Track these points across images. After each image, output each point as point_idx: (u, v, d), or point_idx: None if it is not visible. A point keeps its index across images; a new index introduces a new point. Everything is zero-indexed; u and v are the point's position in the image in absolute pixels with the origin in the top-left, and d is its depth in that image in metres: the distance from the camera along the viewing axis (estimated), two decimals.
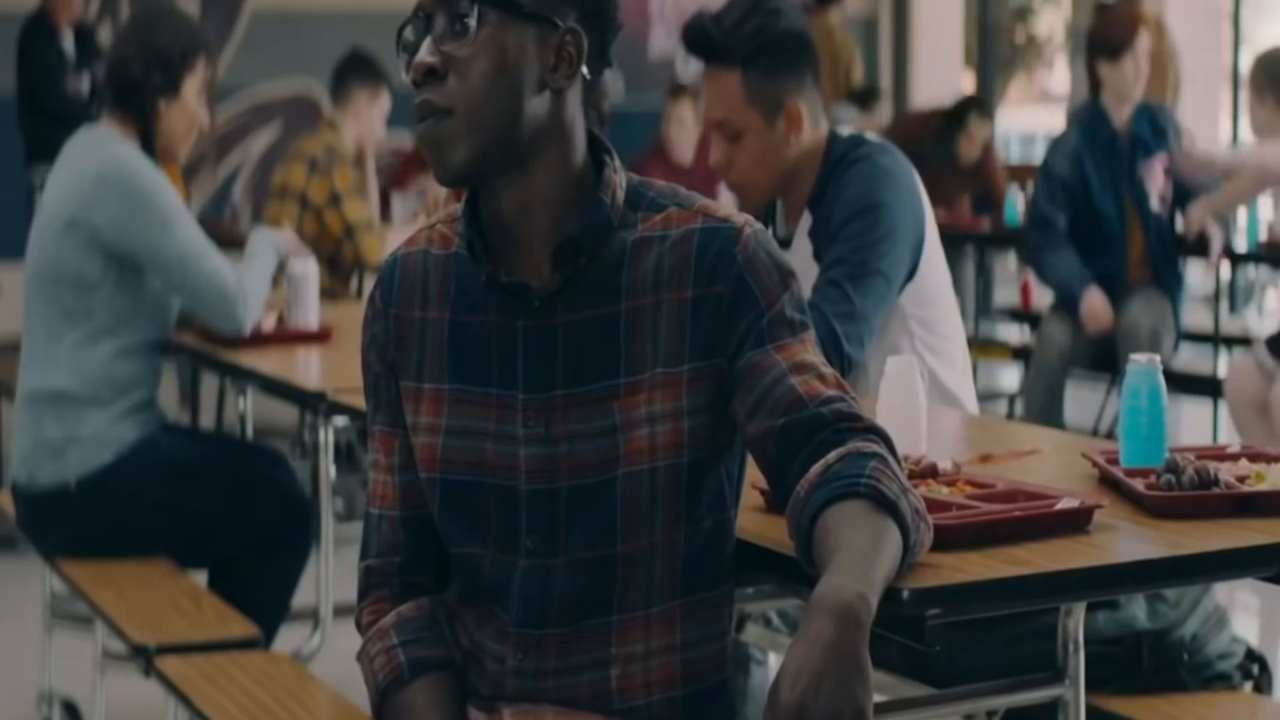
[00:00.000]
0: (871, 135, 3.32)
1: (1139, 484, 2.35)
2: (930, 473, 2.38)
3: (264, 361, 3.96)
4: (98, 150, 3.87)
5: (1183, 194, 6.54)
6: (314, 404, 3.54)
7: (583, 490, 1.99)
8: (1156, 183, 6.48)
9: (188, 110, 3.97)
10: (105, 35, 10.10)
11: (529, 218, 2.00)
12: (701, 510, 2.03)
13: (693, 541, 2.03)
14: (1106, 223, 6.45)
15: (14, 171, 9.51)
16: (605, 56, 2.04)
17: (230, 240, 8.93)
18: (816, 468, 1.89)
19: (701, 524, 2.03)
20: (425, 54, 1.95)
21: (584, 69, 2.00)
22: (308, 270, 4.25)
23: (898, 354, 3.13)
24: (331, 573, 3.91)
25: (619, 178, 2.04)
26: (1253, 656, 2.98)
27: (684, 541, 2.02)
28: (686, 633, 2.04)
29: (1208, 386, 6.65)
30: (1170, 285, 6.54)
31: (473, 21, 1.94)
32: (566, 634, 2.01)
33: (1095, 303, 6.33)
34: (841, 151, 3.21)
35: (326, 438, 3.73)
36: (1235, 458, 2.49)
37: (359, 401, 3.42)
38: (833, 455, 1.90)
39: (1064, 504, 2.21)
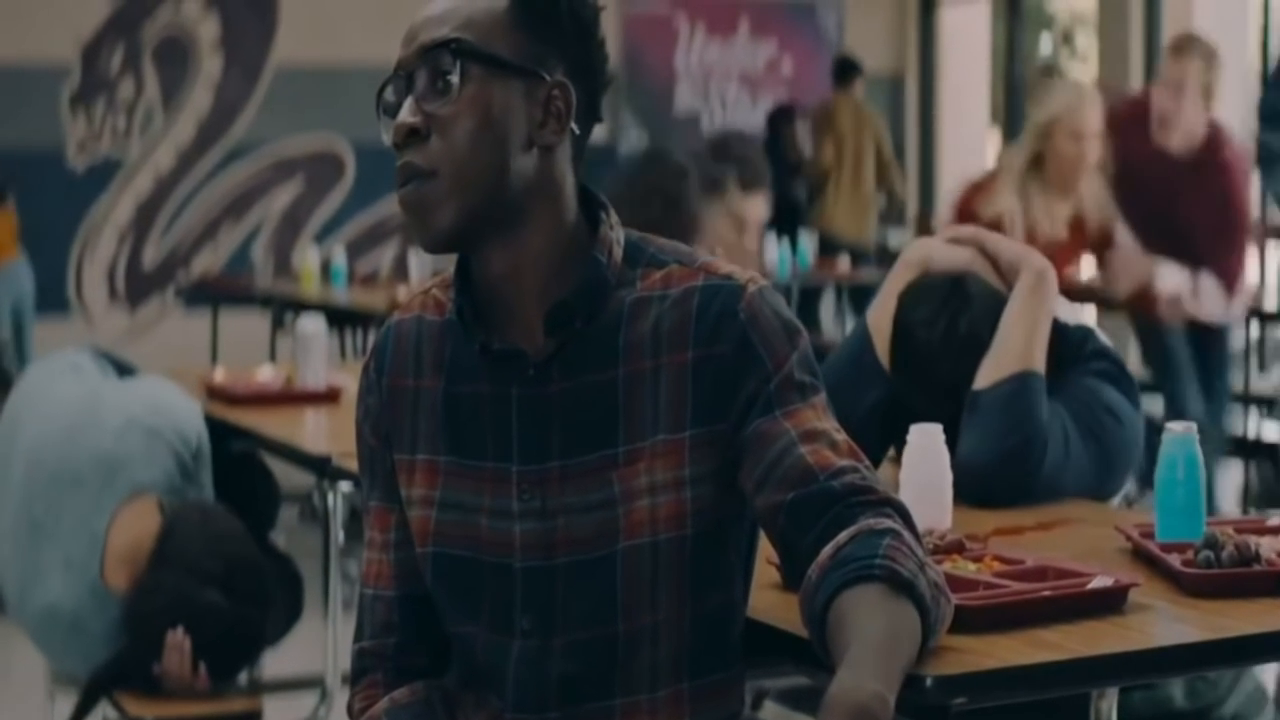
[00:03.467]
0: None
1: (1175, 560, 2.24)
2: (956, 548, 2.27)
3: (270, 423, 3.86)
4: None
5: None
6: (319, 468, 3.44)
7: (581, 566, 1.88)
8: None
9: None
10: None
11: (521, 281, 1.89)
12: (708, 586, 1.91)
13: (699, 620, 1.92)
14: None
15: None
16: (596, 111, 1.94)
17: (246, 296, 8.96)
18: (827, 550, 1.78)
19: (708, 601, 1.92)
20: (406, 114, 1.85)
21: (573, 124, 1.90)
22: (316, 329, 4.15)
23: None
24: (340, 640, 3.80)
25: (615, 234, 1.93)
26: None
27: (690, 620, 1.91)
28: (695, 717, 1.93)
29: (1237, 448, 6.52)
30: None
31: (455, 78, 1.84)
32: None
33: None
34: None
35: (335, 503, 3.63)
36: (1276, 531, 2.38)
37: None
38: (843, 535, 1.79)
39: (1096, 583, 2.09)
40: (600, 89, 1.92)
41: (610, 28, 9.55)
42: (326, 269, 8.62)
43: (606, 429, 1.87)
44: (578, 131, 1.90)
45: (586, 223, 1.93)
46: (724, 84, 11.69)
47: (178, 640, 3.43)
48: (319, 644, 3.94)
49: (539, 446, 1.89)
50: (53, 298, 10.04)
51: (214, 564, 3.46)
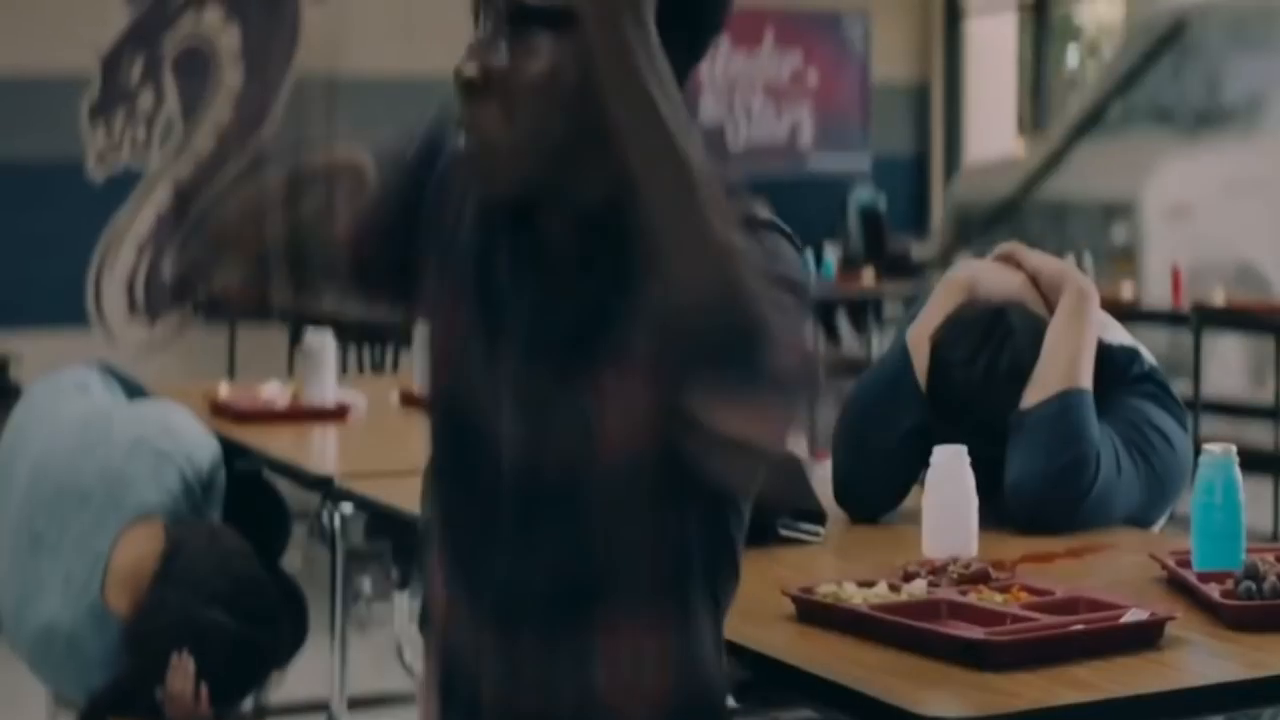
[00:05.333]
0: None
1: (1214, 591, 2.12)
2: (981, 578, 2.16)
3: (275, 440, 3.75)
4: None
5: None
6: (322, 489, 3.33)
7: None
8: None
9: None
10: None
11: None
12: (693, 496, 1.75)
13: (684, 534, 1.76)
14: None
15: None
16: None
17: (264, 311, 8.85)
18: None
19: (693, 513, 1.76)
20: None
21: None
22: (323, 344, 4.04)
23: None
24: (346, 664, 3.70)
25: None
26: None
27: (674, 533, 1.75)
28: (678, 639, 1.77)
29: (1269, 463, 6.39)
30: None
31: None
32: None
33: None
34: None
35: (340, 524, 3.51)
36: None
37: (371, 487, 3.23)
38: None
39: (1131, 616, 1.98)
40: None
41: None
42: None
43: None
44: None
45: None
46: (749, 95, 11.58)
47: (182, 662, 3.34)
48: (325, 668, 3.84)
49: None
50: (72, 310, 9.96)
51: (220, 582, 3.37)
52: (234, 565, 3.41)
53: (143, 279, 10.24)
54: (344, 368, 8.14)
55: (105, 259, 10.15)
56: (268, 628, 3.43)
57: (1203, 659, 1.98)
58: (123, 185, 10.15)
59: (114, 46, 10.12)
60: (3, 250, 9.63)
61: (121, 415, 3.62)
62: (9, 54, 9.75)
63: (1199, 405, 6.28)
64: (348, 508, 3.37)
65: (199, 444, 3.59)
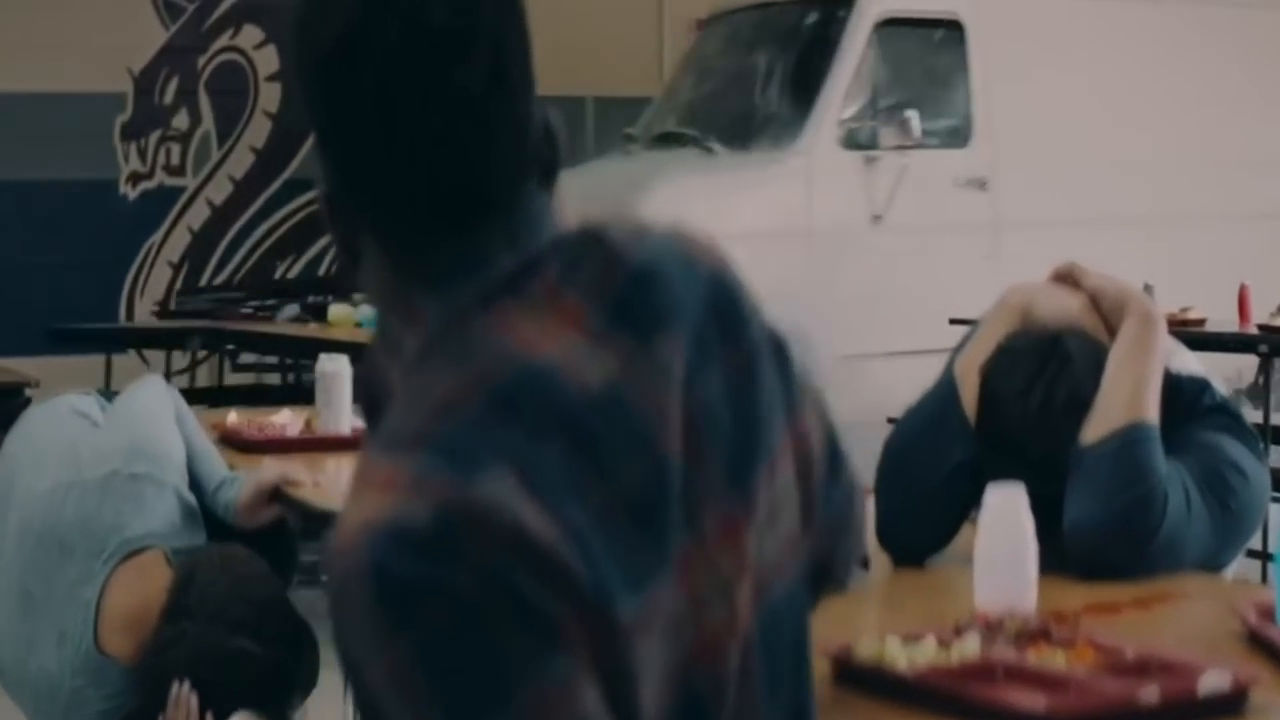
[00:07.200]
0: None
1: None
2: (1042, 634, 1.94)
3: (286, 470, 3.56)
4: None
5: None
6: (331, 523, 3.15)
7: None
8: None
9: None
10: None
11: None
12: None
13: None
14: None
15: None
16: None
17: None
18: None
19: None
20: None
21: None
22: (338, 369, 3.84)
23: None
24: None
25: None
26: None
27: None
28: None
29: None
30: None
31: None
32: None
33: None
34: None
35: None
36: None
37: None
38: None
39: (1209, 681, 1.77)
40: None
41: (678, 41, 9.26)
42: None
43: None
44: None
45: None
46: None
47: (183, 697, 3.16)
48: (337, 713, 3.67)
49: None
50: (104, 330, 9.85)
51: (241, 609, 3.20)
52: (252, 590, 3.26)
53: (176, 300, 10.10)
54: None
55: (138, 279, 10.03)
56: (294, 649, 3.27)
57: None
58: (157, 205, 10.04)
59: (148, 65, 10.01)
60: (35, 268, 9.52)
61: (89, 451, 3.42)
62: (43, 72, 9.64)
63: (1268, 435, 6.01)
64: None
65: (171, 445, 3.42)
